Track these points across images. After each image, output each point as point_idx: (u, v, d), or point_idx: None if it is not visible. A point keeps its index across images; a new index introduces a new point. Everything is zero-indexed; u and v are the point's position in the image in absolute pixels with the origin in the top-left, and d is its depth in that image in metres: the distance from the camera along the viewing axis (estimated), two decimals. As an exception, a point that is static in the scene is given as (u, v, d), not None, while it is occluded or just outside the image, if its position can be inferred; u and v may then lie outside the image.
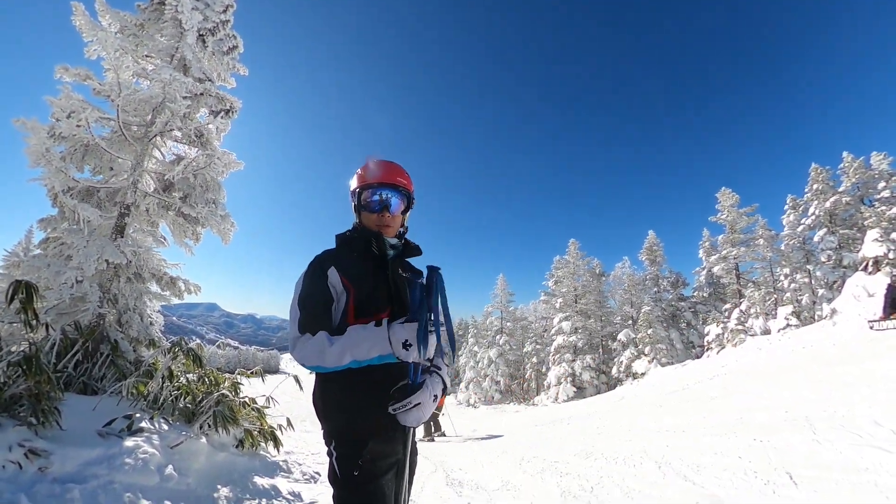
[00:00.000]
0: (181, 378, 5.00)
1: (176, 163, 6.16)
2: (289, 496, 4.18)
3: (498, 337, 37.00)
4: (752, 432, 5.27)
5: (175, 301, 6.56)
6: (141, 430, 3.92)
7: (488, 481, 4.94)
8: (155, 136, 6.00)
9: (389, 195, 1.88)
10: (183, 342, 5.15)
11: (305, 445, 7.44)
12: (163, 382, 4.66)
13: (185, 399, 4.73)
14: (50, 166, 5.10)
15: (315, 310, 1.67)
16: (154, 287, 6.38)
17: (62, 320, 5.02)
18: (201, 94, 6.55)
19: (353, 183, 1.92)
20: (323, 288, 1.69)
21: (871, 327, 12.22)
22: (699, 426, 6.45)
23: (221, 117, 6.75)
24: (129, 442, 3.60)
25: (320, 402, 1.78)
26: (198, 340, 5.70)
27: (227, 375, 5.42)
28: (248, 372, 5.91)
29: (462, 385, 35.72)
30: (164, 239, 6.68)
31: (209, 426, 4.47)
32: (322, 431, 1.79)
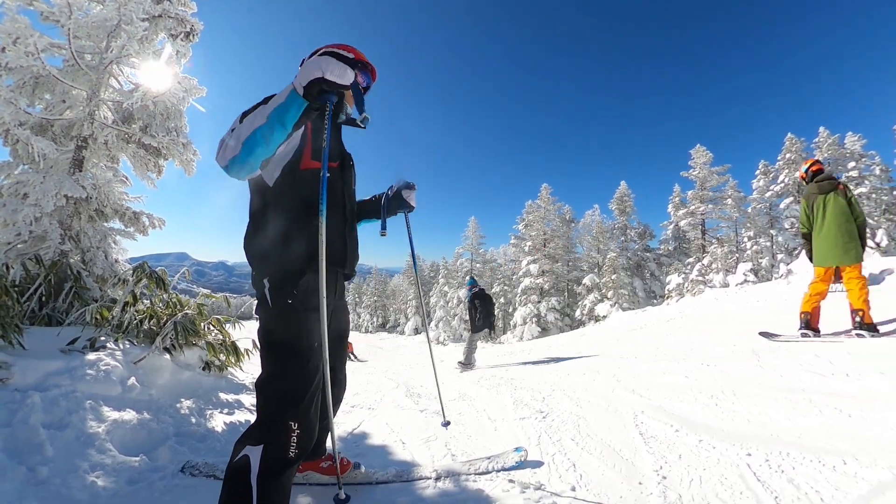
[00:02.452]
0: (145, 301, 4.92)
1: (134, 91, 5.81)
2: (251, 408, 4.25)
3: (467, 278, 37.54)
4: (700, 359, 5.53)
5: (139, 237, 6.39)
6: (104, 347, 3.92)
7: (446, 393, 5.12)
8: (111, 62, 5.63)
9: (368, 80, 2.05)
10: (146, 266, 5.03)
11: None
12: (126, 306, 4.59)
13: (149, 322, 4.69)
14: (-2, 97, 4.80)
15: None
16: (117, 224, 6.20)
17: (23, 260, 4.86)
18: (159, 15, 6.16)
19: (344, 52, 2.00)
20: None
21: (822, 288, 12.78)
22: (651, 354, 6.74)
23: (181, 40, 6.35)
24: (92, 356, 3.62)
25: (255, 245, 1.83)
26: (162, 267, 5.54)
27: (193, 301, 5.33)
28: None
29: (432, 324, 36.48)
30: (127, 178, 6.43)
31: (171, 340, 4.47)
32: (253, 278, 1.86)
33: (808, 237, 5.75)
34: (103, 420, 2.94)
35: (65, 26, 5.14)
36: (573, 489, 2.32)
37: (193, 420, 3.54)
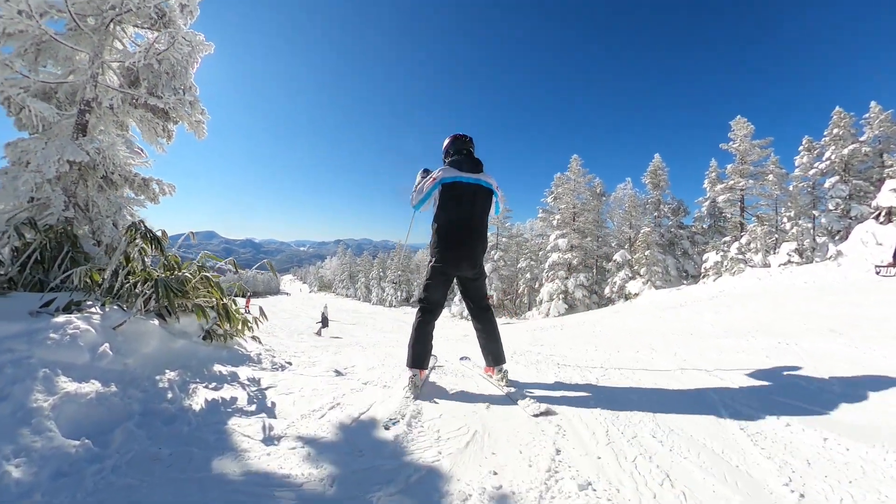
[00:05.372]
0: (139, 263, 4.36)
1: (137, 50, 5.35)
2: (246, 382, 3.60)
3: (493, 252, 36.78)
4: (773, 337, 4.72)
5: (150, 205, 5.97)
6: (80, 309, 3.34)
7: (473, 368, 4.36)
8: (111, 20, 5.20)
9: None
10: (141, 224, 4.45)
11: (294, 346, 7.09)
12: (117, 268, 4.02)
13: (143, 285, 4.11)
14: (-6, 62, 4.47)
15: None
16: (128, 192, 5.86)
17: (24, 230, 4.44)
18: (161, -32, 5.57)
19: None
20: None
21: (878, 272, 11.75)
22: (707, 332, 5.92)
23: (185, -9, 5.74)
24: (60, 318, 2.97)
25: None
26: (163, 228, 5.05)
27: (194, 262, 4.76)
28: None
29: (456, 298, 35.56)
30: (142, 151, 6.03)
31: (155, 302, 3.93)
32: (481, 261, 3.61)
33: None
34: (54, 392, 2.33)
35: (61, -16, 4.78)
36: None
37: (170, 395, 2.90)
